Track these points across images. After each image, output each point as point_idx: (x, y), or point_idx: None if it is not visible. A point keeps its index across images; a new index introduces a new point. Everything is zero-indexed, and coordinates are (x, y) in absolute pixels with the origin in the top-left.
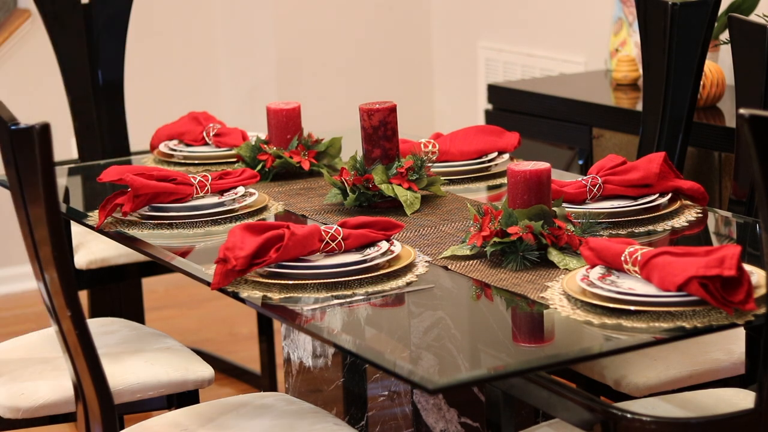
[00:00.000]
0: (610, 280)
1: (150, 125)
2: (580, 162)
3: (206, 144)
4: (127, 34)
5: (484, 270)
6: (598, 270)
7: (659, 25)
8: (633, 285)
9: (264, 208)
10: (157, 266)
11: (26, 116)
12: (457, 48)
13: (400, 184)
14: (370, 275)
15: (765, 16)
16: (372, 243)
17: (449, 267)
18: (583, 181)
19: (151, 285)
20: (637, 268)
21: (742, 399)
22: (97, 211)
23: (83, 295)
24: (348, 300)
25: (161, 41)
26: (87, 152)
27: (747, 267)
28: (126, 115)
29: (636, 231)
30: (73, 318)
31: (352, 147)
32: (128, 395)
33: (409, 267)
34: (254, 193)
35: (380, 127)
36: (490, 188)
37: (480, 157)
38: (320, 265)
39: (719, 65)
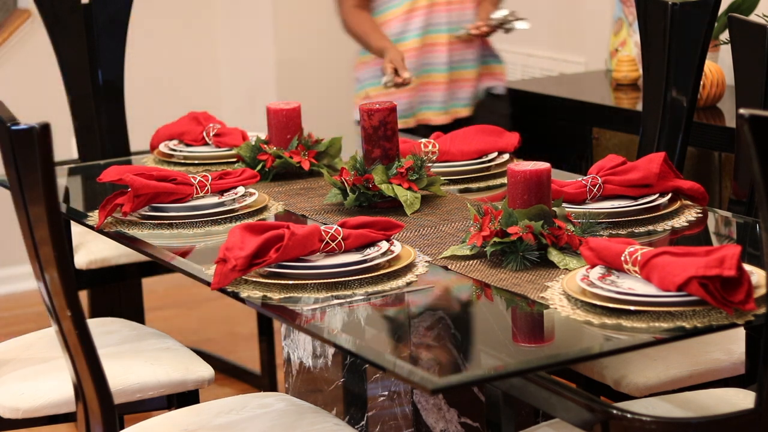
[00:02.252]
0: (610, 280)
1: (150, 125)
2: (580, 162)
3: (206, 144)
4: (127, 34)
5: (484, 270)
6: (598, 270)
7: (659, 25)
8: (633, 285)
9: (264, 208)
10: (157, 266)
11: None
12: None
13: (400, 184)
14: (370, 275)
15: (765, 16)
16: (372, 243)
17: (449, 267)
18: (583, 181)
19: (151, 285)
20: (637, 268)
21: (742, 399)
22: (97, 211)
23: (83, 295)
24: (348, 300)
25: (161, 41)
26: (87, 152)
27: (747, 267)
28: (126, 115)
29: (636, 231)
30: (73, 318)
31: (352, 147)
32: (128, 395)
33: (409, 267)
34: (254, 193)
35: (380, 127)
36: (490, 188)
37: (480, 157)
38: (320, 265)
39: (719, 65)
